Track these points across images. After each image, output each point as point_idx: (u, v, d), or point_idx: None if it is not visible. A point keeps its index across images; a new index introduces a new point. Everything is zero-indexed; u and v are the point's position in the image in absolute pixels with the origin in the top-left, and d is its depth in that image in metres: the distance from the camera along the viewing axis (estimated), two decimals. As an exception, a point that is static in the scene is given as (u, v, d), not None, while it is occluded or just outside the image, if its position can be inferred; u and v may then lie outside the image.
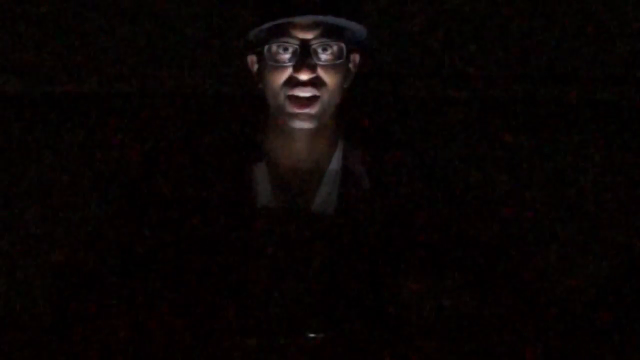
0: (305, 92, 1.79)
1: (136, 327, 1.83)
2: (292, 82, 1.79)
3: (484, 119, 2.39)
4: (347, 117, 1.93)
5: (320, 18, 1.77)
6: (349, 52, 1.83)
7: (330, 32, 1.78)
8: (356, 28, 1.82)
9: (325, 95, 1.80)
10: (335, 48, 1.79)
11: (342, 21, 1.79)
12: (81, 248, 1.90)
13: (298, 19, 1.77)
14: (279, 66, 1.79)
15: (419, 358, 1.81)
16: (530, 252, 2.26)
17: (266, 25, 1.78)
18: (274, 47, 1.79)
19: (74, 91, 2.34)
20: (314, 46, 1.78)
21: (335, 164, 1.90)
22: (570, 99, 2.38)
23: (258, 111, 1.90)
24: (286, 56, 1.79)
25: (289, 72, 1.79)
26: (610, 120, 2.38)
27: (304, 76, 1.78)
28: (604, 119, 2.39)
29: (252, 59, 1.88)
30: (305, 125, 1.81)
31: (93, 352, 1.80)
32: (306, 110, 1.80)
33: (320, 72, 1.79)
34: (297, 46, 1.78)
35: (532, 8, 2.40)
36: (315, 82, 1.79)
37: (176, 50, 2.37)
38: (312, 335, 1.82)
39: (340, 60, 1.80)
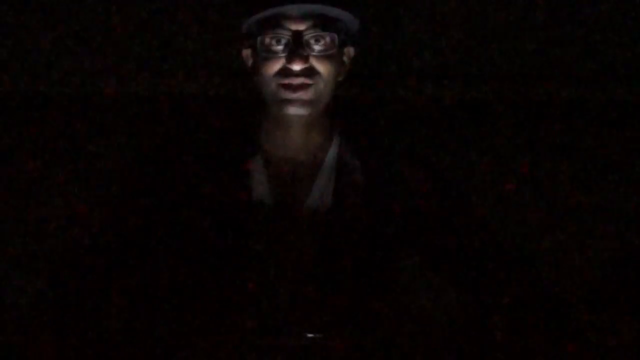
0: (297, 81, 1.79)
1: (132, 326, 1.82)
2: (284, 73, 1.79)
3: (477, 120, 2.39)
4: (342, 113, 1.93)
5: (310, 8, 1.78)
6: (343, 44, 1.83)
7: (322, 23, 1.79)
8: (348, 19, 1.83)
9: (319, 82, 1.80)
10: (327, 39, 1.80)
11: (333, 11, 1.79)
12: (78, 246, 1.90)
13: (289, 10, 1.77)
14: (272, 57, 1.79)
15: (417, 357, 1.79)
16: (528, 251, 2.23)
17: (257, 17, 1.79)
18: (267, 39, 1.80)
19: (77, 91, 2.37)
20: (306, 37, 1.78)
21: (330, 159, 1.89)
22: (564, 98, 2.38)
23: (253, 106, 1.91)
24: (279, 47, 1.79)
25: (281, 62, 1.79)
26: (608, 119, 2.38)
27: (296, 66, 1.78)
28: (602, 119, 2.38)
29: (246, 53, 1.88)
30: (300, 111, 1.80)
31: (90, 351, 1.79)
32: (299, 94, 1.79)
33: (313, 62, 1.79)
34: (289, 37, 1.78)
35: (530, 9, 2.41)
36: (308, 73, 1.79)
37: (174, 50, 2.39)
38: (310, 335, 1.79)
39: (333, 51, 1.80)
